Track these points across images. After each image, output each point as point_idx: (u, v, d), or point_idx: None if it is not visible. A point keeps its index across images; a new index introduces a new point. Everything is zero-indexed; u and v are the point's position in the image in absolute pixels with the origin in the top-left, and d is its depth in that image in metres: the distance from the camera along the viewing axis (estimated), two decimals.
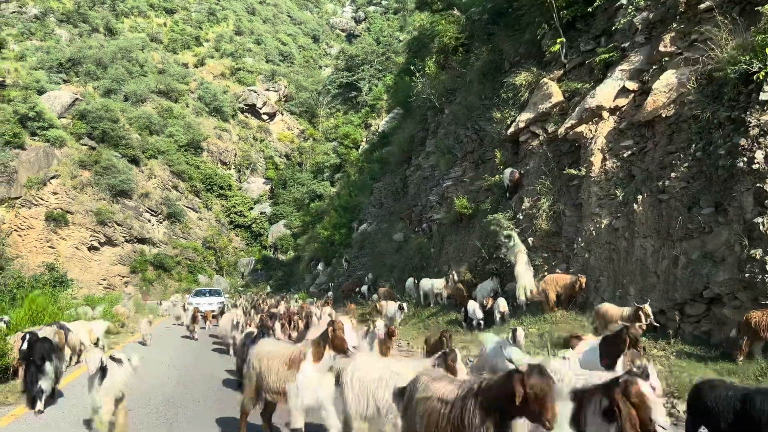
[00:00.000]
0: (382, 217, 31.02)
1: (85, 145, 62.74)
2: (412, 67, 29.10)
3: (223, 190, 75.70)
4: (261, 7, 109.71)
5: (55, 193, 59.29)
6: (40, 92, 62.94)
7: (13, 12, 77.99)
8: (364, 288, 26.48)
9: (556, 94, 14.92)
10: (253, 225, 74.99)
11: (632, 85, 12.56)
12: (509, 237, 13.98)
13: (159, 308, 27.48)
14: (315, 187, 51.74)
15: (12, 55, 69.98)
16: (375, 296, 21.52)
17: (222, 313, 20.01)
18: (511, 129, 16.29)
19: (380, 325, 9.60)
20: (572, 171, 12.91)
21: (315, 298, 28.90)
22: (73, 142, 62.22)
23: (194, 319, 19.29)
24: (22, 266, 45.19)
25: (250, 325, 12.70)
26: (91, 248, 60.51)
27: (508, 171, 15.64)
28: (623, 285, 11.26)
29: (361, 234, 32.61)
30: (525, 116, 15.73)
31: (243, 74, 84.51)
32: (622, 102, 12.67)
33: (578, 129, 13.15)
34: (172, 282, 63.51)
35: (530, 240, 14.08)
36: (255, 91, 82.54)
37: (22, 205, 57.00)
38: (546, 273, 13.43)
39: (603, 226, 11.84)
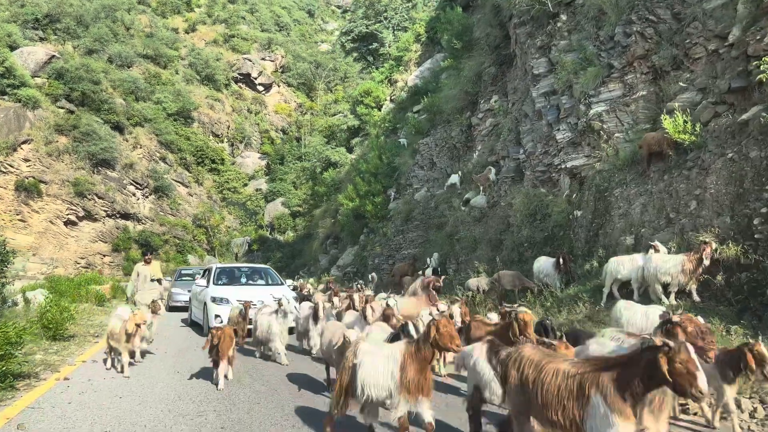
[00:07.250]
0: (435, 181, 22.94)
1: (63, 107, 53.35)
2: None
3: (215, 164, 66.91)
4: None
5: (26, 160, 50.09)
6: (12, 48, 53.37)
7: None
8: (429, 272, 18.45)
9: None
10: (248, 202, 66.54)
11: None
12: None
13: None
14: (329, 153, 43.24)
15: None
16: (472, 283, 13.44)
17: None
18: None
19: None
20: None
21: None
22: (49, 104, 52.87)
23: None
24: None
25: None
26: (68, 223, 51.49)
27: None
28: None
29: (406, 203, 24.37)
30: None
31: (237, 41, 75.28)
32: None
33: None
34: (159, 262, 54.78)
35: None
36: (250, 60, 73.45)
37: None
38: None
39: None
